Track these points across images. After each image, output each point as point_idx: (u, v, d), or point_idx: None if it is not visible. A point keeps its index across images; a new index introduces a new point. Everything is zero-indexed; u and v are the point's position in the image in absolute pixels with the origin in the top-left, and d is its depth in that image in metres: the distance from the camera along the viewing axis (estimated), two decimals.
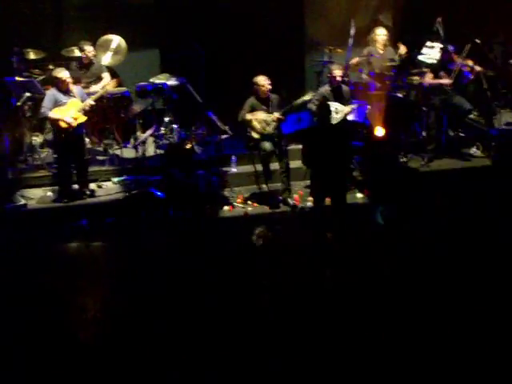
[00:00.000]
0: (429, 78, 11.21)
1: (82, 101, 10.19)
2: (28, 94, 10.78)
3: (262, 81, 10.37)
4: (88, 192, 10.39)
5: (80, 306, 7.20)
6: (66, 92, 10.20)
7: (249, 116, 10.32)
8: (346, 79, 11.14)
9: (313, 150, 8.86)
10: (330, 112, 9.16)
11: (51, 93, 10.22)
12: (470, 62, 11.24)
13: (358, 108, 10.68)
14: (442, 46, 11.37)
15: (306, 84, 12.48)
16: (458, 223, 9.48)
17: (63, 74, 10.23)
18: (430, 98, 11.27)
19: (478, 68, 11.28)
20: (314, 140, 8.95)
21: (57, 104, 10.12)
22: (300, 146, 10.49)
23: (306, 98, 10.53)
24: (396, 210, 9.76)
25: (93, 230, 9.67)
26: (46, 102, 10.15)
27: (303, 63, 12.74)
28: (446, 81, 11.07)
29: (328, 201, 9.08)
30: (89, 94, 10.50)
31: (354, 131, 10.63)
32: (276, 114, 10.26)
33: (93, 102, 10.29)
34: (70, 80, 10.22)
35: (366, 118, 10.80)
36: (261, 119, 10.28)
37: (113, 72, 11.61)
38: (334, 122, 9.91)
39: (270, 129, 10.28)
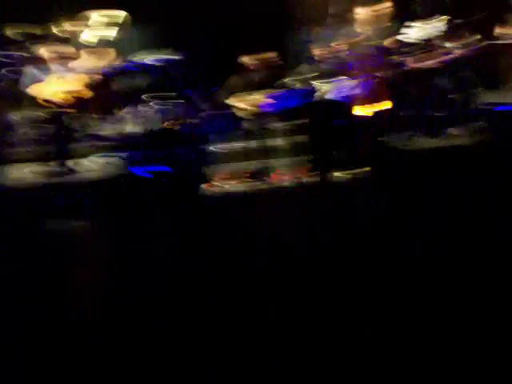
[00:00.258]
0: (412, 60, 11.23)
1: (64, 77, 10.12)
2: (5, 71, 10.70)
3: (249, 61, 10.34)
4: (68, 170, 10.34)
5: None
6: (47, 69, 10.11)
7: (231, 99, 10.32)
8: (326, 58, 11.10)
9: (315, 126, 8.83)
10: (314, 91, 9.18)
11: (31, 70, 10.15)
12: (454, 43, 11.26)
13: (339, 86, 10.67)
14: (424, 24, 11.38)
15: (286, 63, 12.45)
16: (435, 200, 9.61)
17: (44, 50, 10.14)
18: (410, 77, 11.29)
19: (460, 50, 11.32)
20: (314, 116, 8.91)
21: (37, 80, 10.05)
22: (280, 124, 10.62)
23: (289, 79, 10.53)
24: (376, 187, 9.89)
25: (73, 210, 9.66)
26: (26, 79, 10.08)
27: (283, 42, 12.70)
28: (430, 62, 11.08)
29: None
30: (69, 71, 10.43)
31: (337, 110, 10.63)
32: (259, 96, 10.27)
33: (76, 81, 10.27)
34: (51, 56, 10.13)
35: (347, 97, 10.80)
36: (242, 102, 10.29)
37: (97, 48, 11.49)
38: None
39: (252, 110, 10.30)
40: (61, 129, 10.34)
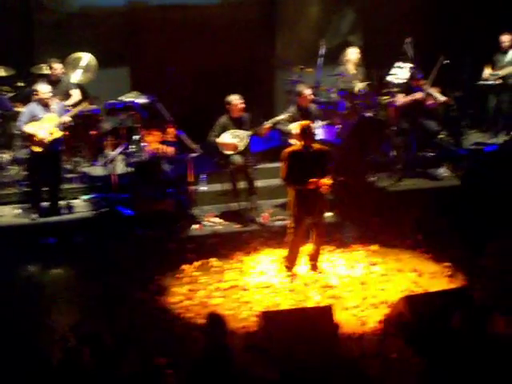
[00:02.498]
0: (401, 97, 11.27)
1: (60, 116, 10.12)
2: None
3: (235, 100, 10.31)
4: (65, 208, 10.34)
5: None
6: (45, 107, 10.09)
7: (218, 140, 10.30)
8: (315, 98, 11.09)
9: (296, 170, 8.71)
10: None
11: (29, 107, 10.13)
12: (436, 91, 11.31)
13: (328, 127, 10.65)
14: (410, 66, 11.45)
15: (276, 103, 12.54)
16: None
17: (42, 87, 10.13)
18: (399, 117, 11.34)
19: (442, 99, 11.35)
20: (297, 159, 8.80)
21: (34, 118, 10.02)
22: (268, 165, 10.63)
23: (280, 117, 10.48)
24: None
25: (60, 249, 9.64)
26: (23, 116, 10.06)
27: (273, 82, 12.80)
28: (418, 95, 11.11)
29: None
30: (61, 111, 10.42)
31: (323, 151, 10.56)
32: (248, 132, 10.26)
33: (69, 118, 10.26)
34: (48, 95, 10.10)
35: (336, 137, 10.78)
36: (229, 143, 10.27)
37: (83, 90, 11.55)
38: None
39: (240, 147, 10.29)
40: (57, 168, 10.29)
